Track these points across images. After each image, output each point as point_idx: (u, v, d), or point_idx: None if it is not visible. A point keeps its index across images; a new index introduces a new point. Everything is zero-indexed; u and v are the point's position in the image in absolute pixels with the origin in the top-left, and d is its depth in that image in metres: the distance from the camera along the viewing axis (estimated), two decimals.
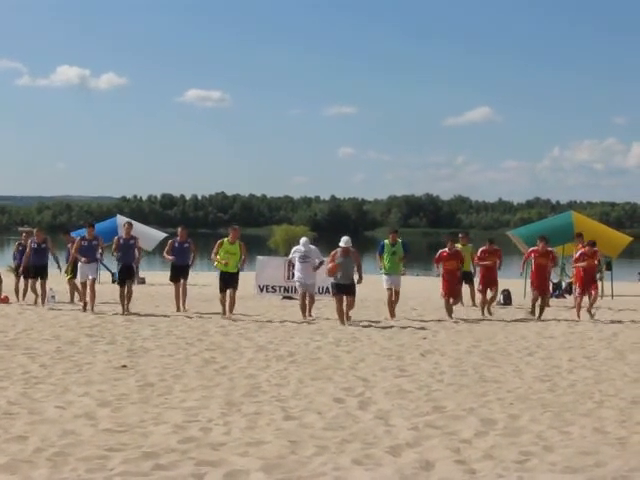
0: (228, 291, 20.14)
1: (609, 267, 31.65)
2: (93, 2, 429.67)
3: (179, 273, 21.92)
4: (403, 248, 20.96)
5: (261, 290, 26.75)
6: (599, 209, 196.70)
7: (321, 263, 20.81)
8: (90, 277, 20.94)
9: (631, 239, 33.13)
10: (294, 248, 21.42)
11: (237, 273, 20.33)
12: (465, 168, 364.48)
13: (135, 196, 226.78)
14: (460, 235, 25.94)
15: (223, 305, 20.30)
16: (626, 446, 8.64)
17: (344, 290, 19.40)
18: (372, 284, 24.91)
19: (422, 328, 18.87)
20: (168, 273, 22.38)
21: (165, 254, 22.10)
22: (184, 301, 21.88)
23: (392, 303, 20.74)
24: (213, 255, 20.32)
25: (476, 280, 23.95)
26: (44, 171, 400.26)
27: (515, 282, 29.39)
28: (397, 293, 20.88)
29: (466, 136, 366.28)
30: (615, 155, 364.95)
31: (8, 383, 11.46)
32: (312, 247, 21.06)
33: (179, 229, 22.51)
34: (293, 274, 26.20)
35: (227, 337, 16.70)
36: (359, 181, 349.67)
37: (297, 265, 20.95)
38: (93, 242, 21.40)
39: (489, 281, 22.79)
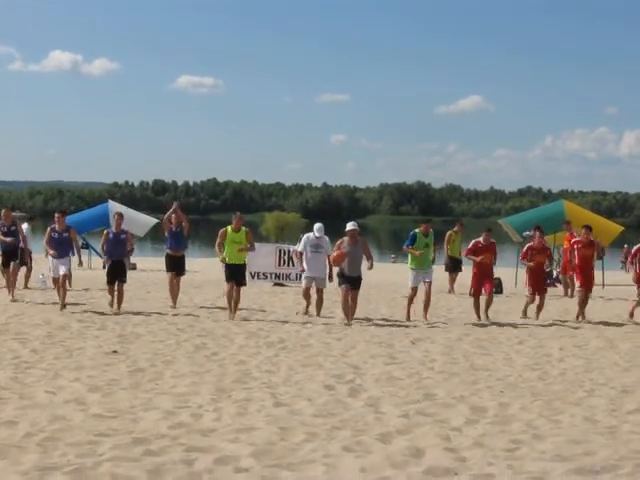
0: (237, 285, 17.85)
1: (600, 257, 31.62)
2: None
3: (175, 265, 19.76)
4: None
5: (252, 277, 26.69)
6: (590, 198, 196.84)
7: (329, 257, 18.49)
8: (61, 272, 18.24)
9: (622, 228, 33.21)
10: (305, 236, 19.06)
11: (245, 265, 18.46)
12: (457, 156, 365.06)
13: (127, 182, 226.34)
14: (457, 227, 25.97)
15: (230, 302, 17.74)
16: (616, 435, 8.66)
17: (350, 282, 17.51)
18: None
19: (413, 316, 18.86)
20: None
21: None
22: (175, 299, 19.62)
23: (411, 302, 18.30)
24: (217, 247, 18.09)
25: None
26: (36, 156, 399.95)
27: (506, 271, 29.41)
28: (429, 289, 18.16)
29: (458, 124, 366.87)
30: (607, 144, 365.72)
31: None
32: (326, 237, 18.78)
33: (173, 216, 20.05)
34: (285, 262, 26.31)
35: (218, 323, 16.68)
36: (351, 168, 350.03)
37: (308, 255, 18.58)
38: (64, 234, 18.50)
39: (537, 283, 19.44)
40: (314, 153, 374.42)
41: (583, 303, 18.95)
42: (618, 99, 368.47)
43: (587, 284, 19.16)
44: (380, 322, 17.62)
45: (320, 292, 18.45)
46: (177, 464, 7.32)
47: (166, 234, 20.23)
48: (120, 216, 19.34)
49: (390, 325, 17.22)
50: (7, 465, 7.19)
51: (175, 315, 17.76)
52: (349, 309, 17.55)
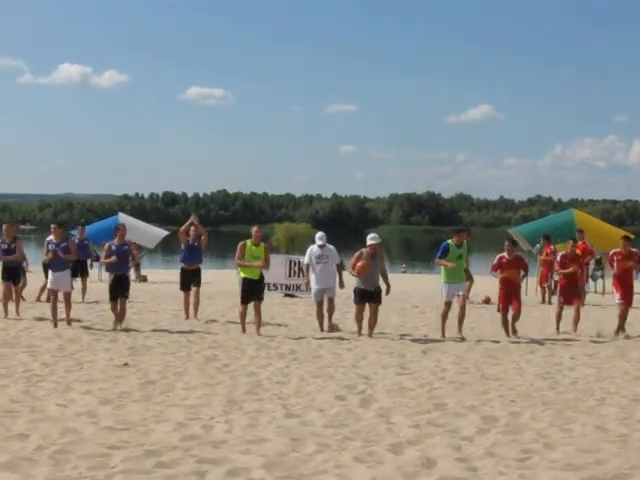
0: (253, 303, 17.13)
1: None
2: (94, 0, 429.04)
3: (190, 278, 19.58)
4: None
5: None
6: (600, 207, 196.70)
7: (340, 266, 18.14)
8: (63, 290, 17.92)
9: (632, 237, 33.07)
10: (309, 248, 18.30)
11: (262, 280, 17.61)
12: (466, 166, 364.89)
13: (137, 194, 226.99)
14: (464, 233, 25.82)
15: (243, 320, 17.23)
16: (627, 444, 8.64)
17: (367, 297, 16.92)
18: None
19: (424, 325, 18.87)
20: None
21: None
22: (195, 310, 19.45)
23: (446, 318, 17.17)
24: (238, 260, 17.25)
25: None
26: (46, 169, 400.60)
27: None
28: (464, 303, 17.35)
29: (467, 134, 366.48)
30: (616, 153, 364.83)
31: (10, 381, 11.46)
32: (330, 246, 18.07)
33: (191, 228, 19.84)
34: (295, 272, 26.30)
35: (229, 335, 16.69)
36: (361, 179, 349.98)
37: (314, 267, 17.88)
38: (62, 245, 17.92)
39: (569, 293, 18.73)
40: (323, 164, 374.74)
41: (623, 317, 18.11)
42: (627, 107, 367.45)
43: (627, 298, 18.20)
44: (391, 332, 17.59)
45: (331, 301, 17.88)
46: (189, 476, 7.33)
47: (182, 246, 19.96)
48: (123, 227, 18.58)
49: (401, 335, 17.19)
50: (19, 478, 7.21)
51: (186, 327, 17.77)
52: (361, 324, 17.02)
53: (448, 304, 17.22)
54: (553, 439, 8.81)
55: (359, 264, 16.83)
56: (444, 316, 17.21)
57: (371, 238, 17.16)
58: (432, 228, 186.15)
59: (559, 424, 9.51)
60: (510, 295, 17.58)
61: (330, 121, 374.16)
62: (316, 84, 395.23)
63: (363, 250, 17.06)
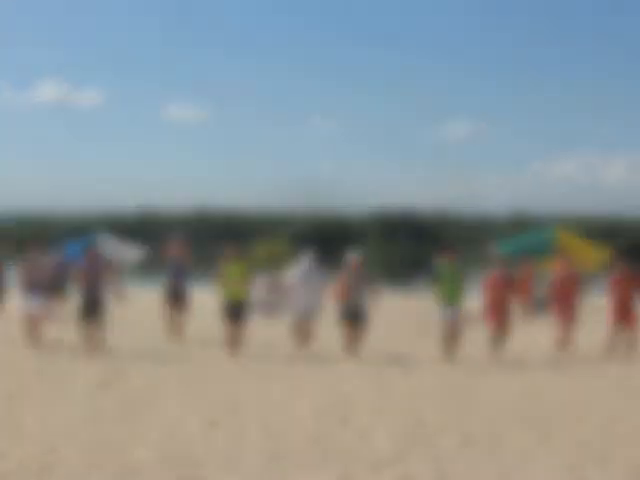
0: (235, 322, 16.79)
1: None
2: (72, 17, 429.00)
3: (175, 297, 19.15)
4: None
5: None
6: (582, 222, 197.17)
7: (324, 285, 17.74)
8: (38, 308, 17.28)
9: (612, 252, 33.19)
10: (294, 269, 17.88)
11: (246, 300, 17.14)
12: (446, 182, 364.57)
13: (117, 211, 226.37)
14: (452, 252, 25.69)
15: (226, 340, 16.90)
16: (607, 460, 8.65)
17: (351, 316, 16.75)
18: None
19: (406, 344, 18.85)
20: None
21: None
22: (180, 331, 18.95)
23: (449, 339, 16.49)
24: (220, 279, 16.99)
25: None
26: (26, 186, 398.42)
27: None
28: (457, 328, 16.55)
29: (447, 150, 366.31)
30: (597, 169, 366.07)
31: None
32: (315, 267, 17.62)
33: (176, 246, 19.55)
34: (275, 291, 26.27)
35: (210, 354, 16.62)
36: (341, 196, 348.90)
37: (298, 286, 17.43)
38: (39, 262, 17.56)
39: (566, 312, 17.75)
40: (303, 181, 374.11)
41: (633, 339, 17.41)
42: (608, 123, 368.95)
43: (622, 318, 17.49)
44: (371, 350, 17.55)
45: (311, 323, 17.57)
46: None
47: (167, 264, 19.68)
48: (94, 247, 18.11)
49: (381, 353, 17.16)
50: None
51: (166, 345, 17.70)
52: (349, 341, 16.85)
53: (446, 324, 16.59)
54: (534, 456, 8.81)
55: (336, 286, 16.88)
56: (445, 339, 16.58)
57: (351, 254, 17.20)
58: (413, 245, 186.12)
59: (540, 441, 9.51)
60: (500, 318, 16.87)
61: (310, 138, 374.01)
62: (296, 101, 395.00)
63: (345, 268, 17.01)
